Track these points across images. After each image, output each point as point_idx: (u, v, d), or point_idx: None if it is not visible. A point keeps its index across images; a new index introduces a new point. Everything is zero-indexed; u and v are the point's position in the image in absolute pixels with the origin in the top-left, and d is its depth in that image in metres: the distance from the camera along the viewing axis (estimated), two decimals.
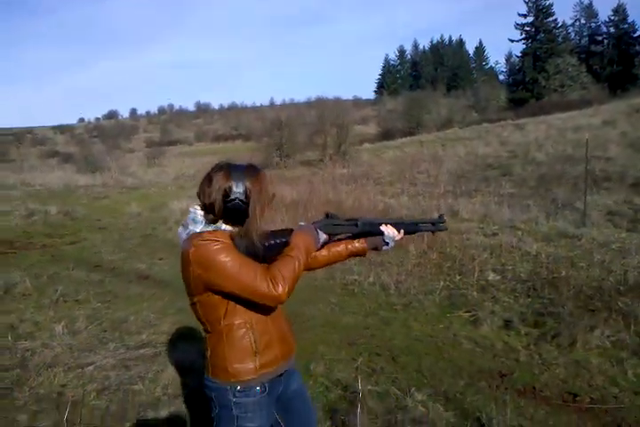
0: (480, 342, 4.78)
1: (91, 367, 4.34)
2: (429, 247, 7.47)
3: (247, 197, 1.94)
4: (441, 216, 2.45)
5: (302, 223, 2.20)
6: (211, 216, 1.97)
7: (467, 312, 5.48)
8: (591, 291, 5.50)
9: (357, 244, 2.31)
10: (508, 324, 5.09)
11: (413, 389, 3.83)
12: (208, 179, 1.97)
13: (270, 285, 1.87)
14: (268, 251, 2.00)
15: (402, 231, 2.32)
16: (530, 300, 5.61)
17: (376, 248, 2.34)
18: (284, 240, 2.04)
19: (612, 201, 9.55)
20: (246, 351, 1.98)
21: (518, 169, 13.79)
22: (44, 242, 10.18)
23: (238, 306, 1.96)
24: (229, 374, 1.99)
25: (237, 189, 1.92)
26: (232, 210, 1.94)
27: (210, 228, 1.97)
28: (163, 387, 3.99)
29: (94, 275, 7.54)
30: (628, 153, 13.74)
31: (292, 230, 2.09)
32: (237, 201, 1.93)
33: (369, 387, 3.89)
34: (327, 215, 2.27)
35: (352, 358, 4.51)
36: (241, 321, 1.97)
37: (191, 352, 4.58)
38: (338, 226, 2.27)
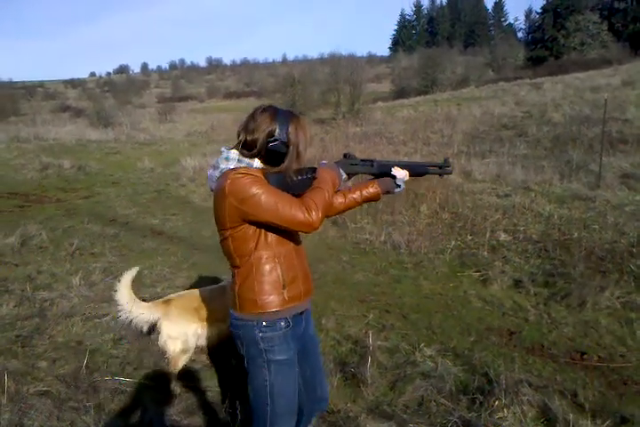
0: (489, 301, 4.84)
1: (107, 318, 4.45)
2: (441, 207, 7.46)
3: (289, 139, 2.07)
4: (446, 160, 2.56)
5: (324, 162, 2.29)
6: (246, 152, 2.09)
7: (477, 272, 5.52)
8: (603, 253, 5.50)
9: (372, 189, 2.42)
10: (517, 283, 5.14)
11: (422, 344, 3.91)
12: (253, 118, 2.09)
13: (305, 212, 1.98)
14: (296, 186, 2.11)
15: (408, 172, 2.44)
16: (540, 261, 5.63)
17: (388, 191, 2.44)
18: (309, 176, 2.14)
19: (629, 164, 9.41)
20: (275, 284, 2.10)
21: (533, 129, 13.56)
22: (58, 196, 10.26)
23: (269, 239, 2.08)
24: (258, 305, 2.10)
25: (281, 132, 2.06)
26: (272, 151, 2.07)
27: (243, 164, 2.09)
28: None
29: (109, 229, 7.63)
30: None
31: (315, 168, 2.19)
32: (279, 143, 2.06)
33: (379, 342, 3.97)
34: (345, 155, 2.40)
35: (362, 315, 4.59)
36: (270, 254, 2.09)
37: None
38: (355, 166, 2.39)
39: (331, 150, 11.49)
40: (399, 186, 2.43)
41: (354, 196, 2.41)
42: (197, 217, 8.45)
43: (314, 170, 2.17)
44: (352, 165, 2.39)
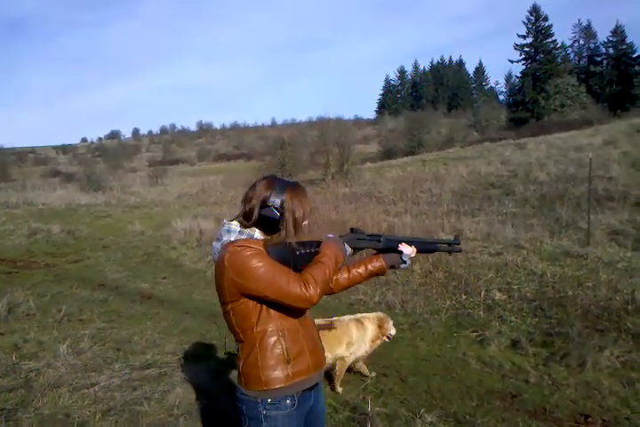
0: (488, 363, 4.74)
1: (96, 388, 4.29)
2: (434, 267, 7.44)
3: (283, 206, 2.05)
4: (456, 237, 2.49)
5: (330, 235, 2.25)
6: (246, 222, 2.08)
7: (474, 332, 5.44)
8: (599, 311, 5.46)
9: (377, 263, 2.35)
10: (515, 344, 5.06)
11: (423, 410, 3.80)
12: (252, 186, 2.10)
13: (303, 287, 1.94)
14: (298, 259, 2.07)
15: (416, 249, 2.38)
16: (537, 320, 5.57)
17: (393, 266, 2.39)
18: (313, 250, 2.11)
19: (617, 220, 9.53)
20: (278, 359, 2.02)
21: (520, 188, 13.79)
22: (47, 261, 10.15)
23: (271, 313, 2.02)
24: (262, 382, 2.02)
25: (274, 199, 2.05)
26: (265, 217, 2.05)
27: (243, 236, 2.06)
28: (169, 408, 3.95)
29: (98, 294, 7.51)
30: (630, 173, 13.76)
31: (320, 242, 2.16)
32: (272, 208, 2.04)
33: (377, 408, 3.85)
34: (352, 230, 2.36)
35: (360, 379, 4.48)
36: (273, 328, 2.03)
37: (197, 372, 4.54)
38: (362, 240, 2.34)
39: (321, 211, 11.57)
40: (405, 262, 2.37)
41: (359, 270, 2.35)
42: (188, 280, 8.36)
43: (318, 244, 2.14)
44: (359, 240, 2.34)
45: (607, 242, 8.30)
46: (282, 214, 2.05)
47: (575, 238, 8.61)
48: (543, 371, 4.50)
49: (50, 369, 4.69)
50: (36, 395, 4.18)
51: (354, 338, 4.29)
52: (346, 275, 2.35)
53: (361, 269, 2.35)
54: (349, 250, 2.27)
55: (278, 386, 2.02)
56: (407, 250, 2.35)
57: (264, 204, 2.05)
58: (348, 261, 2.33)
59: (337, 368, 4.26)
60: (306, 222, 2.12)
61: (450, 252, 2.47)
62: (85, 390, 4.28)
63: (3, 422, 3.77)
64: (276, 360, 2.02)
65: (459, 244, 2.47)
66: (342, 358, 4.25)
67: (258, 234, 2.09)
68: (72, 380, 4.47)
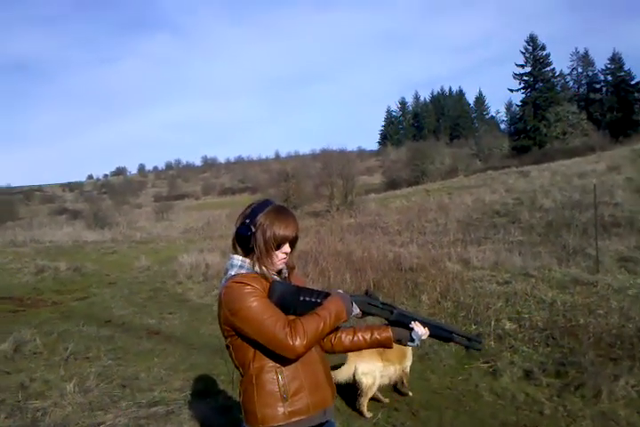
0: (501, 395, 4.66)
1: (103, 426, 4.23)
2: (442, 296, 7.38)
3: (254, 223, 2.01)
4: (479, 335, 2.37)
5: (340, 291, 2.15)
6: (241, 251, 2.06)
7: (485, 363, 5.35)
8: (611, 339, 5.37)
9: (384, 333, 2.19)
10: (528, 374, 4.97)
11: None
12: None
13: (289, 335, 1.87)
14: (300, 305, 2.00)
15: (429, 332, 2.21)
16: (549, 349, 5.48)
17: (400, 341, 2.22)
18: (318, 300, 2.03)
19: (624, 246, 9.46)
20: (274, 396, 1.95)
21: (526, 216, 13.75)
22: (53, 298, 10.14)
23: (267, 349, 1.94)
24: (258, 419, 1.95)
25: (249, 218, 2.02)
26: (238, 234, 2.03)
27: (243, 270, 2.01)
28: None
29: (104, 331, 7.47)
30: (635, 198, 13.73)
31: (328, 294, 2.07)
32: (244, 226, 2.02)
33: None
34: (367, 292, 2.23)
35: (370, 410, 4.40)
36: (270, 364, 1.96)
37: (204, 409, 4.48)
38: (373, 306, 2.19)
39: (327, 243, 11.56)
40: (414, 341, 2.18)
41: (365, 335, 2.19)
42: (194, 315, 8.31)
43: (325, 295, 2.05)
44: (370, 305, 2.18)
45: (616, 269, 8.22)
46: (254, 233, 2.01)
47: (584, 265, 8.54)
48: (558, 402, 4.41)
49: (56, 408, 4.63)
50: None
51: (408, 353, 4.70)
52: (350, 336, 2.21)
53: (367, 335, 2.19)
54: (357, 311, 2.13)
55: (275, 424, 1.94)
56: (420, 330, 2.17)
57: (242, 222, 2.03)
58: (354, 322, 2.24)
59: (403, 379, 4.69)
60: (285, 250, 2.05)
61: (467, 347, 2.28)
62: None
63: None
64: (272, 398, 1.94)
65: (480, 342, 2.29)
66: (404, 372, 4.65)
67: (258, 267, 2.02)
68: (79, 419, 4.41)
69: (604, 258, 8.66)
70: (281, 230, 2.02)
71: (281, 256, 2.05)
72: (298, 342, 1.86)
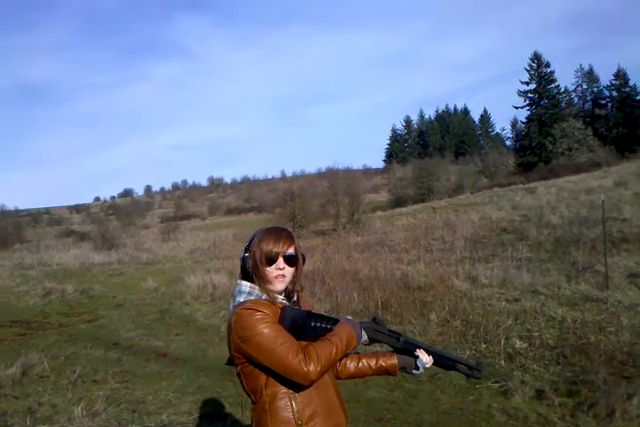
0: (513, 415, 4.59)
1: None
2: (451, 315, 7.32)
3: (249, 249, 2.05)
4: (480, 364, 2.39)
5: (349, 317, 2.15)
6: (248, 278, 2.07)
7: (496, 382, 5.29)
8: (623, 356, 5.30)
9: (390, 361, 2.22)
10: (540, 394, 4.90)
11: None
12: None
13: (303, 361, 1.84)
14: (311, 331, 1.99)
15: (432, 360, 2.23)
16: (560, 368, 5.41)
17: (405, 369, 2.24)
18: (329, 326, 2.03)
19: (634, 262, 9.39)
20: (289, 422, 1.92)
21: (534, 232, 13.69)
22: (61, 321, 10.12)
23: (280, 375, 1.91)
24: None
25: (247, 243, 2.07)
26: (242, 260, 2.07)
27: (252, 297, 2.00)
28: None
29: (112, 353, 7.43)
30: None
31: (338, 320, 2.07)
32: (243, 251, 2.07)
33: None
34: (374, 319, 2.24)
35: None
36: (283, 391, 1.94)
37: None
38: (380, 333, 2.21)
39: (334, 261, 11.53)
40: (418, 368, 2.21)
41: (370, 362, 2.23)
42: (202, 336, 8.27)
43: (335, 321, 2.06)
44: (377, 332, 2.20)
45: (626, 285, 8.15)
46: (248, 255, 2.05)
47: (593, 282, 8.47)
48: (571, 422, 4.34)
49: None
50: None
51: None
52: (355, 363, 2.23)
53: (372, 362, 2.23)
54: (365, 337, 2.15)
55: None
56: (425, 358, 2.20)
57: (244, 248, 2.08)
58: (361, 349, 2.24)
59: None
60: (278, 266, 2.02)
61: (468, 376, 2.31)
62: None
63: None
64: (286, 424, 1.91)
65: (480, 371, 2.31)
66: None
67: (266, 295, 2.01)
68: None
69: (614, 274, 8.59)
70: (269, 245, 2.02)
71: (275, 273, 2.02)
72: (312, 369, 1.84)
